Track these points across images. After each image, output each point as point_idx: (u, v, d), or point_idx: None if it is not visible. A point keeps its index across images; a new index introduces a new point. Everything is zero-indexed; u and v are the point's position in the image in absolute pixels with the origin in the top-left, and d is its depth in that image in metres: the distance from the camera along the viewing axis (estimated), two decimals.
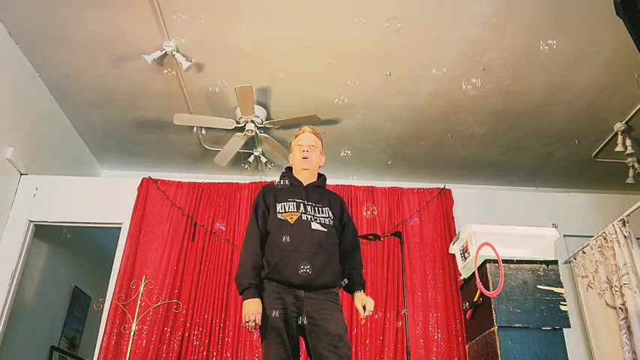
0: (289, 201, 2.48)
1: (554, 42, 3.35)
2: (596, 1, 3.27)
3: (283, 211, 2.45)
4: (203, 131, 4.58)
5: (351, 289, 2.49)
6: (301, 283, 2.28)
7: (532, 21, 3.48)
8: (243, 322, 2.23)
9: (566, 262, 4.39)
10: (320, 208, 2.50)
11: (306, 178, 2.60)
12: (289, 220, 2.40)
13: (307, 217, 2.43)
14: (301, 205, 2.47)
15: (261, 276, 2.35)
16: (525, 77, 4.01)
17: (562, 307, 2.62)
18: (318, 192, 2.59)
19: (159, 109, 4.47)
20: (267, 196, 2.53)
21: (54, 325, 4.94)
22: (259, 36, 3.68)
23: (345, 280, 2.48)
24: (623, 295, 3.62)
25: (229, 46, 3.77)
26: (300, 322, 2.25)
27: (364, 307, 2.37)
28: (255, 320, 2.20)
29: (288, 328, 2.24)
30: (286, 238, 2.35)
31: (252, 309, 2.22)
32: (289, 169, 2.69)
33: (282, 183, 2.61)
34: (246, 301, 2.26)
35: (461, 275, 3.21)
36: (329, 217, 2.49)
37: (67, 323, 5.13)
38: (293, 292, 2.28)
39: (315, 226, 2.42)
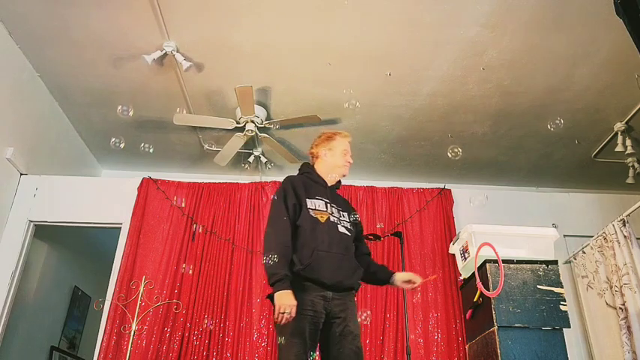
0: (318, 199, 2.43)
1: (561, 121, 3.38)
2: (596, 1, 3.27)
3: (314, 208, 2.38)
4: (213, 147, 4.66)
5: (387, 276, 2.51)
6: (333, 284, 2.25)
7: (532, 21, 3.48)
8: (277, 313, 2.12)
9: (566, 262, 4.39)
10: (341, 212, 2.50)
11: (332, 179, 2.56)
12: (320, 219, 2.35)
13: (334, 219, 2.41)
14: (328, 205, 2.44)
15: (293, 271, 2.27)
16: (525, 77, 4.01)
17: (562, 307, 2.61)
18: (337, 195, 2.58)
19: (159, 109, 4.47)
20: (298, 188, 2.42)
21: (54, 325, 4.94)
22: (259, 36, 3.68)
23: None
24: (623, 295, 3.62)
25: (229, 46, 3.77)
26: (324, 323, 2.22)
27: (408, 282, 2.44)
28: (290, 312, 2.11)
29: (312, 330, 2.19)
30: (319, 237, 2.30)
31: (287, 301, 2.12)
32: (308, 165, 2.62)
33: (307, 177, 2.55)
34: (280, 292, 2.14)
35: (461, 275, 3.21)
36: (349, 221, 2.49)
37: (67, 323, 5.13)
38: (322, 292, 2.25)
39: (341, 229, 2.41)
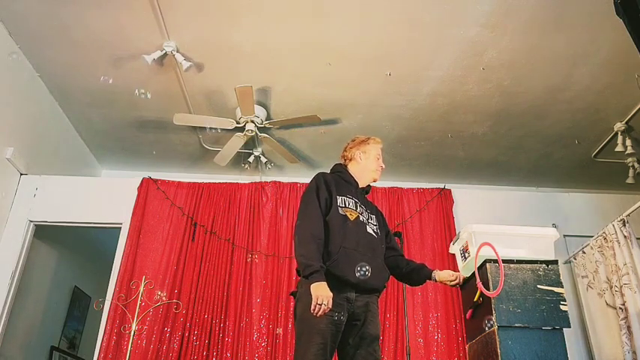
0: (349, 197, 2.43)
1: None
2: (596, 1, 3.27)
3: (344, 205, 2.38)
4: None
5: (427, 273, 2.52)
6: (357, 283, 2.24)
7: (532, 21, 3.48)
8: (313, 305, 2.09)
9: (566, 262, 4.39)
10: (369, 214, 2.50)
11: (363, 181, 2.58)
12: (349, 217, 2.35)
13: (363, 219, 2.41)
14: (358, 205, 2.44)
15: None
16: (525, 77, 4.01)
17: (562, 307, 2.61)
18: (366, 199, 2.59)
19: (159, 109, 4.47)
20: (330, 184, 2.43)
21: (54, 325, 4.94)
22: (259, 36, 3.68)
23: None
24: (623, 295, 3.62)
25: (229, 46, 3.77)
26: (345, 325, 2.21)
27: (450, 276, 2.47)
28: (327, 304, 2.08)
29: (333, 332, 2.17)
30: (347, 235, 2.29)
31: (324, 292, 2.09)
32: (341, 165, 2.64)
33: (339, 176, 2.55)
34: (317, 283, 2.11)
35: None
36: (377, 224, 2.49)
37: (67, 323, 5.13)
38: (346, 293, 2.22)
39: (369, 229, 2.41)
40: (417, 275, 2.56)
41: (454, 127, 4.64)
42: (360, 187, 2.57)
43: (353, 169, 2.60)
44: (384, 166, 2.64)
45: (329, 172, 2.64)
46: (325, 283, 2.13)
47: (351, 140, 2.70)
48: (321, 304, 2.08)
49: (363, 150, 2.62)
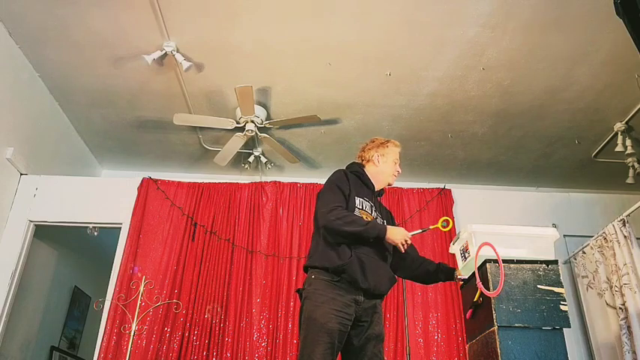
0: (366, 200, 2.40)
1: None
2: (596, 1, 3.27)
3: (361, 207, 2.36)
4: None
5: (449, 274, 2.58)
6: (366, 289, 2.22)
7: (532, 21, 3.48)
8: (399, 244, 2.28)
9: (566, 262, 4.39)
10: (382, 220, 2.48)
11: (379, 185, 2.55)
12: (365, 219, 2.32)
13: None
14: (373, 208, 2.41)
15: (328, 268, 2.22)
16: (525, 77, 4.01)
17: (562, 307, 2.61)
18: (380, 203, 2.56)
19: (159, 109, 4.47)
20: (351, 181, 2.41)
21: (54, 325, 4.94)
22: (259, 36, 3.68)
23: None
24: (623, 295, 3.62)
25: (229, 46, 3.77)
26: (351, 327, 2.20)
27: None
28: (408, 238, 2.29)
29: (341, 332, 2.17)
30: None
31: (401, 231, 2.30)
32: (359, 165, 2.58)
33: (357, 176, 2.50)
34: (388, 227, 2.29)
35: (460, 275, 3.20)
36: None
37: (67, 323, 5.14)
38: (354, 295, 2.22)
39: None
40: (434, 277, 2.60)
41: (454, 127, 4.64)
42: (375, 190, 2.53)
43: (370, 171, 2.55)
44: (400, 171, 2.59)
45: (344, 168, 2.57)
46: (390, 226, 2.30)
47: (370, 141, 2.64)
48: (404, 242, 2.29)
49: (382, 153, 2.57)
